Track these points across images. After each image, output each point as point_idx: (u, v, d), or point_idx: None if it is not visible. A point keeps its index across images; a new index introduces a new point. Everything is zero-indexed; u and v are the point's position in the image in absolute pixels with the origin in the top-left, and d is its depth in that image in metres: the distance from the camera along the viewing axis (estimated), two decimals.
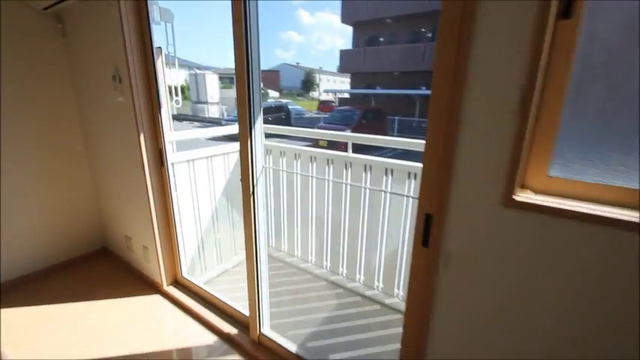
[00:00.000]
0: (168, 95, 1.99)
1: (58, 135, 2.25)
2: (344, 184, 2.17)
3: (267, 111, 12.39)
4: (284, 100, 17.55)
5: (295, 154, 2.41)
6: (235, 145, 2.48)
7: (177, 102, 2.08)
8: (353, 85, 18.67)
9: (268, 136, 2.62)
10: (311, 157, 2.33)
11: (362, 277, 2.25)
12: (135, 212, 2.13)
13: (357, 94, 18.10)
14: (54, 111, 2.21)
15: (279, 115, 12.70)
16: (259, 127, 1.39)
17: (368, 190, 2.09)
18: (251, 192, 1.44)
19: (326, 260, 2.41)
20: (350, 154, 2.13)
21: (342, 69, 19.19)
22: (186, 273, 2.19)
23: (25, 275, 2.23)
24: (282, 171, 2.52)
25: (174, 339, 1.78)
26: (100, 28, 1.83)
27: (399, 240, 2.01)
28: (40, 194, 2.23)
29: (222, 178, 2.44)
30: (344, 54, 17.75)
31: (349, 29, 17.58)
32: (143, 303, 2.07)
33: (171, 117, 2.09)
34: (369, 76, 16.91)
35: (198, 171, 2.23)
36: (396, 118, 12.85)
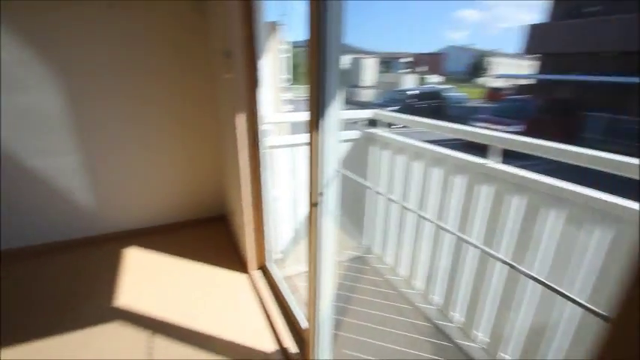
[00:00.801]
0: (279, 74, 1.85)
1: (197, 111, 2.50)
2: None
3: (416, 97, 11.39)
4: (441, 86, 15.82)
5: (415, 154, 1.88)
6: (351, 134, 2.18)
7: (285, 80, 1.92)
8: (541, 70, 14.76)
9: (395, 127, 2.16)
10: (437, 159, 1.75)
11: (482, 337, 1.58)
12: (235, 190, 2.16)
13: (546, 81, 14.27)
14: (196, 87, 2.45)
15: (430, 102, 11.48)
16: (334, 118, 1.01)
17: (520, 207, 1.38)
18: (315, 201, 1.10)
19: (437, 295, 1.84)
20: (497, 164, 1.44)
21: (529, 49, 15.44)
22: (272, 262, 2.10)
23: (153, 226, 2.66)
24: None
25: (236, 327, 1.71)
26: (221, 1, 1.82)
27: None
28: (176, 161, 2.57)
29: None
30: (534, 30, 14.21)
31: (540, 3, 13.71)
32: (229, 279, 2.11)
33: (279, 97, 1.95)
34: (566, 58, 13.00)
35: (301, 158, 2.04)
36: (601, 114, 8.38)
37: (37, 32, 1.97)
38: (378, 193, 2.12)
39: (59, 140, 2.19)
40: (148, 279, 2.11)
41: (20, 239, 2.28)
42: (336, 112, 1.01)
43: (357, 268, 2.26)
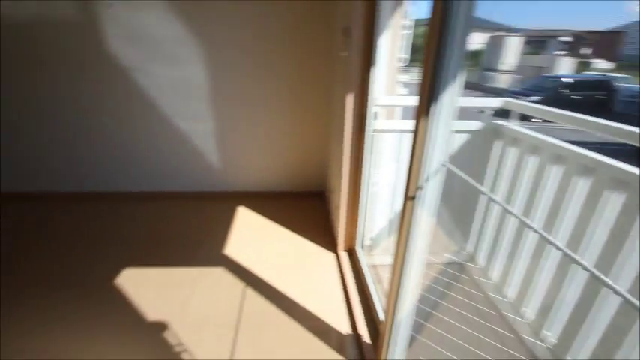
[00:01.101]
0: (398, 54, 1.72)
1: (311, 90, 2.59)
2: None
3: (572, 86, 9.16)
4: (611, 74, 12.31)
5: (554, 157, 1.51)
6: (471, 124, 1.91)
7: (403, 61, 1.78)
8: None
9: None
10: (586, 168, 1.37)
11: None
12: (336, 169, 2.18)
13: None
14: (312, 66, 2.51)
15: (590, 94, 9.09)
16: (448, 104, 0.87)
17: None
18: (412, 195, 1.00)
19: (552, 332, 1.51)
20: None
21: None
22: (360, 246, 2.08)
23: (261, 192, 2.94)
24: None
25: (316, 301, 1.77)
26: None
27: None
28: (289, 136, 2.74)
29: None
30: None
31: None
32: (318, 254, 2.19)
33: (394, 78, 1.83)
34: None
35: (408, 146, 1.89)
36: None
37: (193, 12, 2.31)
38: (493, 200, 1.82)
39: (200, 108, 2.59)
40: (250, 237, 2.37)
41: (164, 185, 2.87)
42: (453, 98, 0.87)
43: (453, 274, 2.04)
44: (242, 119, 2.66)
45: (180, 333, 1.58)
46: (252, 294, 1.83)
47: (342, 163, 1.91)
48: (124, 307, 1.73)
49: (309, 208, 2.79)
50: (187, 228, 2.47)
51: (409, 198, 1.01)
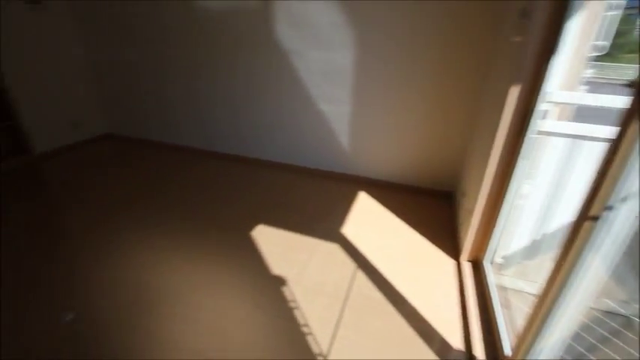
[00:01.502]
0: (589, 41, 1.39)
1: (456, 81, 2.36)
2: None
3: None
4: None
5: None
6: None
7: (595, 50, 1.42)
8: None
9: None
10: None
11: None
12: (475, 171, 1.95)
13: None
14: (460, 56, 2.28)
15: None
16: None
17: None
18: (596, 214, 0.79)
19: None
20: None
21: None
22: (489, 262, 1.83)
23: (385, 181, 2.90)
24: None
25: (427, 303, 1.66)
26: None
27: None
28: (423, 128, 2.59)
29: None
30: None
31: None
32: (436, 257, 2.05)
33: (578, 71, 1.50)
34: None
35: (584, 155, 1.53)
36: None
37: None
38: None
39: (341, 92, 2.71)
40: (367, 223, 2.39)
41: (297, 159, 3.16)
42: None
43: (613, 328, 1.60)
44: (377, 105, 2.66)
45: (295, 292, 1.75)
46: (362, 277, 1.86)
47: (485, 165, 1.70)
48: (253, 256, 2.02)
49: (433, 206, 2.62)
50: (312, 201, 2.67)
51: (589, 218, 0.81)
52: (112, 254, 2.01)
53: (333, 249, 2.10)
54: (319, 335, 1.51)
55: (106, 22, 3.31)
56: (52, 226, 2.32)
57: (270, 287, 1.78)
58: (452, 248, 2.11)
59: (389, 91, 2.58)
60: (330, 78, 2.70)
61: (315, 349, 1.45)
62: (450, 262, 2.00)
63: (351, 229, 2.31)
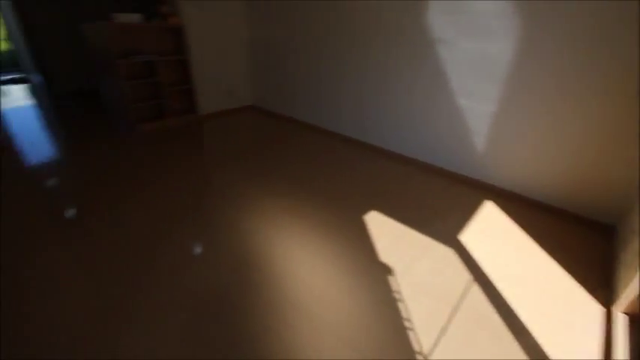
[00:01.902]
0: None
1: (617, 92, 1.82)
2: None
3: None
4: None
5: None
6: None
7: None
8: None
9: None
10: None
11: None
12: None
13: None
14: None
15: None
16: None
17: None
18: None
19: None
20: None
21: None
22: None
23: (518, 194, 2.51)
24: None
25: (552, 346, 1.40)
26: None
27: None
28: (578, 139, 2.11)
29: None
30: None
31: None
32: (575, 296, 1.69)
33: None
34: None
35: None
36: None
37: None
38: None
39: (488, 88, 2.43)
40: (491, 236, 2.14)
41: (420, 154, 3.02)
42: None
43: None
44: (530, 109, 2.30)
45: (401, 284, 1.71)
46: (477, 291, 1.69)
47: None
48: (362, 238, 2.05)
49: (581, 236, 2.17)
50: (430, 200, 2.54)
51: None
52: (236, 207, 2.34)
53: (448, 253, 1.96)
54: (421, 335, 1.45)
55: (270, 1, 3.74)
56: (200, 171, 2.84)
57: (376, 272, 1.79)
58: (601, 292, 1.71)
59: (547, 94, 2.19)
60: (478, 71, 2.45)
61: (415, 346, 1.40)
62: (596, 308, 1.63)
63: (470, 237, 2.11)
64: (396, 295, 1.65)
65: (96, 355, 1.30)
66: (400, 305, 1.59)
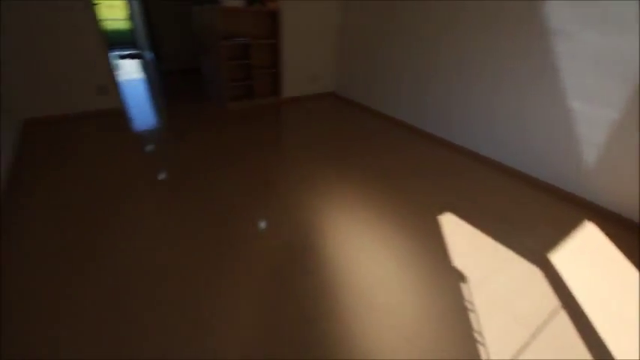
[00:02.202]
0: None
1: None
2: None
3: None
4: None
5: None
6: None
7: None
8: None
9: None
10: None
11: None
12: None
13: None
14: None
15: None
16: None
17: None
18: None
19: None
20: None
21: None
22: None
23: (630, 220, 2.11)
24: None
25: None
26: None
27: None
28: None
29: None
30: None
31: None
32: None
33: None
34: None
35: None
36: None
37: None
38: None
39: (615, 90, 2.07)
40: (590, 262, 1.88)
41: (510, 159, 2.74)
42: None
43: None
44: None
45: (474, 295, 1.61)
46: (565, 319, 1.51)
47: None
48: (435, 238, 1.96)
49: None
50: (517, 210, 2.31)
51: None
52: (308, 188, 2.41)
53: (532, 272, 1.77)
54: (492, 351, 1.36)
55: None
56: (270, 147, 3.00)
57: (447, 277, 1.71)
58: None
59: None
60: (604, 69, 2.10)
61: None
62: None
63: (563, 258, 1.88)
64: (468, 305, 1.56)
65: (179, 292, 1.50)
66: (471, 316, 1.51)
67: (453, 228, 2.07)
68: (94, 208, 2.05)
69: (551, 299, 1.61)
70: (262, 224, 2.01)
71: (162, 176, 2.46)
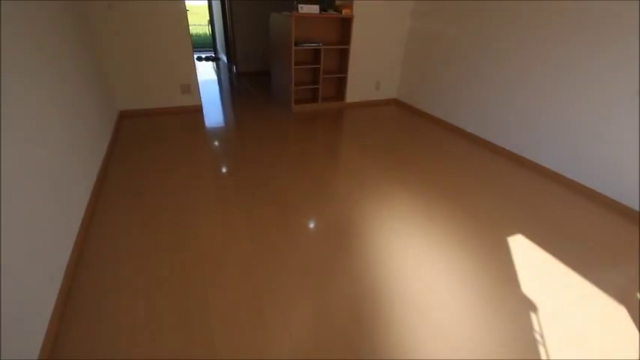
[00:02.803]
0: None
1: None
2: None
3: None
4: None
5: None
6: None
7: None
8: None
9: None
10: None
11: None
12: None
13: None
14: None
15: None
16: None
17: None
18: None
19: None
20: None
21: None
22: None
23: None
24: None
25: None
26: None
27: None
28: None
29: None
30: None
31: None
32: None
33: None
34: None
35: None
36: None
37: None
38: None
39: None
40: None
41: (574, 172, 2.45)
42: None
43: None
44: None
45: (544, 327, 1.48)
46: None
47: None
48: (504, 260, 1.84)
49: None
50: (597, 237, 2.07)
51: None
52: (366, 192, 2.40)
53: (618, 312, 1.57)
54: None
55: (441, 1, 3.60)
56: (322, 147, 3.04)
57: (515, 304, 1.59)
58: None
59: None
60: None
61: None
62: None
63: None
64: (538, 337, 1.44)
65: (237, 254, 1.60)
66: (541, 349, 1.38)
67: (524, 251, 1.92)
68: (167, 193, 2.28)
69: (637, 344, 1.41)
70: (318, 224, 2.07)
71: (226, 170, 2.66)
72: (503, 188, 2.60)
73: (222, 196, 2.31)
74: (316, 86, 4.09)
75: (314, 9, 3.50)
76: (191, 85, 3.76)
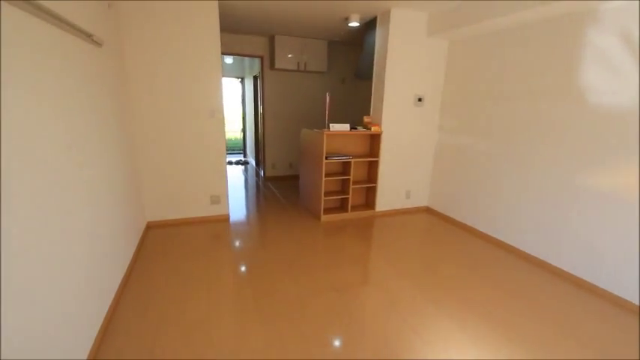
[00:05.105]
0: None
1: None
2: None
3: None
4: None
5: None
6: None
7: None
8: None
9: None
10: None
11: None
12: None
13: None
14: None
15: None
16: None
17: None
18: None
19: None
20: None
21: None
22: None
23: None
24: None
25: None
26: None
27: None
28: None
29: None
30: None
31: None
32: None
33: None
34: None
35: None
36: None
37: None
38: None
39: None
40: None
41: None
42: None
43: None
44: None
45: None
46: None
47: None
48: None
49: None
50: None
51: None
52: (394, 308, 1.97)
53: None
54: None
55: (463, 109, 3.71)
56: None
57: None
58: None
59: None
60: None
61: None
62: None
63: None
64: None
65: None
66: None
67: None
68: (183, 298, 1.95)
69: None
70: (337, 342, 1.63)
71: (247, 274, 2.34)
72: (543, 305, 2.10)
73: (236, 301, 1.95)
74: (346, 196, 4.01)
75: (345, 127, 3.65)
76: (221, 196, 3.76)
